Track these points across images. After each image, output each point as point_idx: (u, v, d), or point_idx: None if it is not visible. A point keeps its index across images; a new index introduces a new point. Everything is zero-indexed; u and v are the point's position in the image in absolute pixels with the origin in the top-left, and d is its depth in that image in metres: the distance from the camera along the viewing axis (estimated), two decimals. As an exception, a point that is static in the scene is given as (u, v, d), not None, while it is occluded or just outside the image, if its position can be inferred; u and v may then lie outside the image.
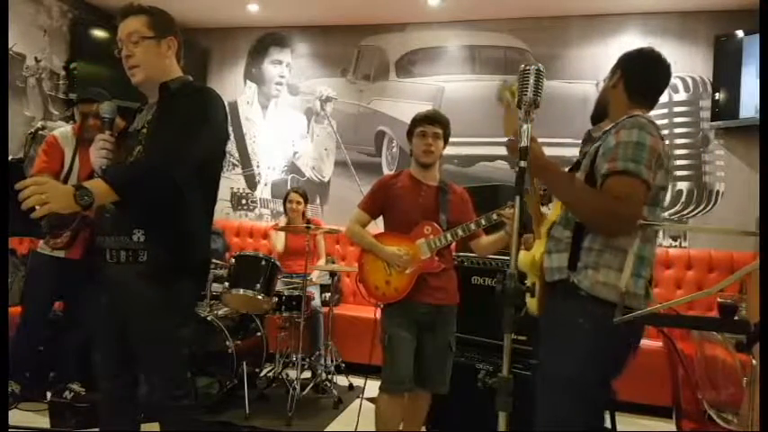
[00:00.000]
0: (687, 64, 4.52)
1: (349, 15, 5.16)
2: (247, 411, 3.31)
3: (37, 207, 1.46)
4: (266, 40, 5.64)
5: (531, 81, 1.55)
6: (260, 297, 3.47)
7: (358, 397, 3.13)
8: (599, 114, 1.86)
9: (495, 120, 4.83)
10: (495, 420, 1.43)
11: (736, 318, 2.37)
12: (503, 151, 4.98)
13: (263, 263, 3.58)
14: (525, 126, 1.52)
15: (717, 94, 4.37)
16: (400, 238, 2.58)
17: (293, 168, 5.52)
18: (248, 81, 5.69)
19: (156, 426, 1.86)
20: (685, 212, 4.52)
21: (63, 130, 3.18)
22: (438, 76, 5.13)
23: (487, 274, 3.00)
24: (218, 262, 4.11)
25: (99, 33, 5.06)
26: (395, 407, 2.49)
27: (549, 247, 1.72)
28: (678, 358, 2.77)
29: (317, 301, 4.09)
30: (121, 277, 1.78)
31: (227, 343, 3.40)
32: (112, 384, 1.89)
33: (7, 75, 4.39)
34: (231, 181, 5.63)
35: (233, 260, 3.74)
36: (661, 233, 4.55)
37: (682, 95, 4.55)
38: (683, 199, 4.52)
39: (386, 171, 5.10)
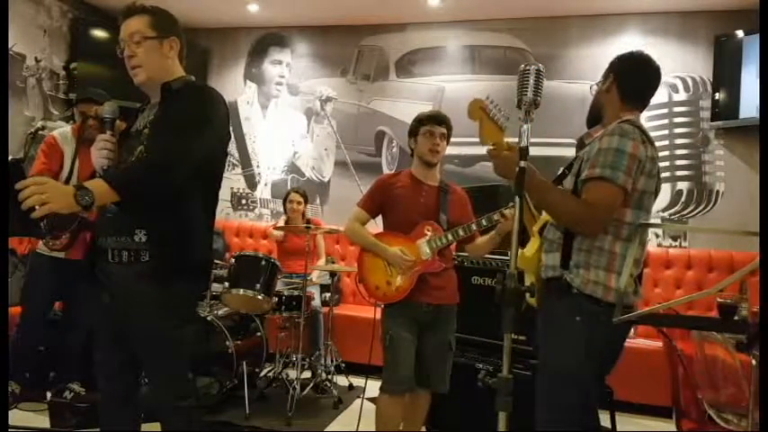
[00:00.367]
0: (687, 64, 4.52)
1: (349, 15, 5.16)
2: (247, 411, 3.31)
3: (37, 207, 1.45)
4: (266, 40, 5.64)
5: (531, 81, 1.56)
6: (260, 297, 3.47)
7: (358, 397, 3.13)
8: (594, 117, 1.94)
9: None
10: (495, 420, 1.43)
11: (736, 318, 2.37)
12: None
13: (263, 263, 3.58)
14: (525, 126, 1.54)
15: (717, 94, 4.37)
16: (401, 237, 2.57)
17: (293, 168, 5.52)
18: (248, 81, 5.69)
19: (156, 426, 1.86)
20: (685, 212, 4.52)
21: (62, 131, 3.18)
22: (438, 76, 5.13)
23: (487, 274, 3.00)
24: (218, 262, 4.11)
25: (99, 33, 5.07)
26: (396, 407, 2.49)
27: (545, 247, 1.83)
28: (678, 358, 2.78)
29: (316, 301, 4.09)
30: (123, 277, 1.78)
31: (227, 343, 3.40)
32: (113, 385, 1.89)
33: (7, 75, 4.39)
34: (231, 181, 5.63)
35: (233, 260, 3.74)
36: (661, 233, 4.56)
37: (682, 95, 4.55)
38: (683, 199, 4.52)
39: (386, 171, 5.10)
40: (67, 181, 3.00)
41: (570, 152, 2.03)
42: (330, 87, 5.43)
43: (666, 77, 4.54)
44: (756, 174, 4.32)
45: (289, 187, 5.10)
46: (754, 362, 2.28)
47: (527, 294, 1.79)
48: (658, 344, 3.66)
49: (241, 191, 5.66)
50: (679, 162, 4.54)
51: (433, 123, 2.58)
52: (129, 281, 1.77)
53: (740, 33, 4.23)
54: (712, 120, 4.41)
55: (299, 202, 4.39)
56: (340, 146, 5.39)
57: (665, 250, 4.43)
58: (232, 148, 5.61)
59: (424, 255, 2.52)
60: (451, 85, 5.08)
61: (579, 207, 1.69)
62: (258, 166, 5.63)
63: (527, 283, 1.87)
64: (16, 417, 3.03)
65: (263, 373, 3.93)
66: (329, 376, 3.86)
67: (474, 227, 2.49)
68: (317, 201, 5.38)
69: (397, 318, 2.49)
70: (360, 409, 2.97)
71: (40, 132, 3.24)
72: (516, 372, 2.40)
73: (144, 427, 2.01)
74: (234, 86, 5.68)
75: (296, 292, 3.77)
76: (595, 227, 1.69)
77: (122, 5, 1.89)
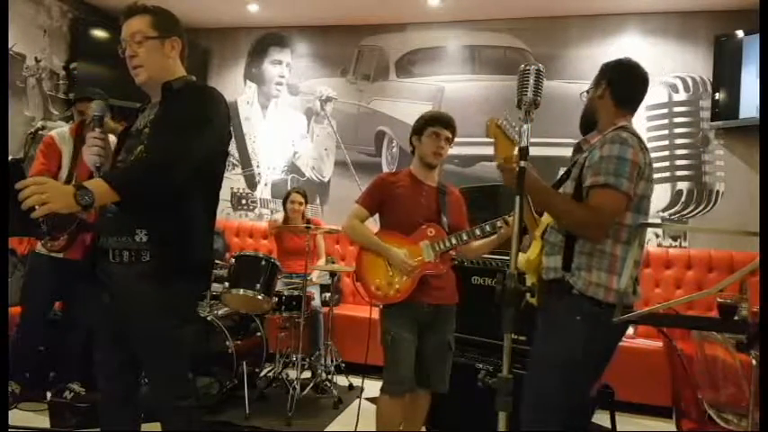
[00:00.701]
0: (687, 64, 4.52)
1: (349, 15, 5.16)
2: (247, 411, 3.31)
3: (36, 207, 1.45)
4: (266, 40, 5.64)
5: (531, 81, 1.57)
6: (260, 297, 3.47)
7: (358, 397, 3.12)
8: (588, 123, 1.99)
9: (495, 120, 4.84)
10: (495, 420, 1.43)
11: (736, 318, 2.37)
12: (503, 151, 4.87)
13: (263, 263, 3.58)
14: (525, 126, 1.54)
15: (717, 94, 4.37)
16: (402, 238, 2.54)
17: (293, 168, 5.52)
18: (248, 81, 5.69)
19: (156, 426, 1.86)
20: (685, 212, 4.52)
21: (60, 131, 3.18)
22: (438, 76, 5.13)
23: (487, 274, 2.99)
24: (218, 262, 4.11)
25: (99, 33, 5.07)
26: (396, 407, 2.48)
27: (546, 250, 1.87)
28: (678, 358, 2.78)
29: (316, 301, 4.09)
30: (124, 277, 1.78)
31: (227, 343, 3.40)
32: (113, 385, 1.89)
33: (7, 75, 4.39)
34: (231, 181, 5.63)
35: (233, 260, 3.74)
36: (661, 233, 4.56)
37: (682, 95, 4.55)
38: (683, 199, 4.52)
39: (386, 171, 5.10)
40: (67, 181, 3.01)
41: (570, 152, 2.05)
42: (330, 87, 5.43)
43: (666, 77, 4.56)
44: (756, 174, 4.32)
45: (289, 187, 5.10)
46: (754, 362, 2.28)
47: (527, 294, 1.83)
48: (658, 344, 3.66)
49: (241, 191, 5.66)
50: (679, 162, 4.54)
51: (440, 126, 2.56)
52: (130, 281, 1.77)
53: (740, 33, 4.23)
54: (712, 120, 4.41)
55: (300, 203, 4.39)
56: (340, 146, 5.39)
57: (665, 250, 4.43)
58: (232, 148, 5.61)
59: (427, 257, 2.51)
60: (451, 85, 5.08)
61: (586, 213, 1.74)
62: (258, 166, 5.63)
63: (528, 283, 1.89)
64: (16, 417, 3.03)
65: (263, 373, 3.93)
66: (329, 376, 3.86)
67: (478, 232, 2.48)
68: (317, 201, 5.38)
69: (397, 318, 2.47)
70: (358, 409, 2.97)
71: (40, 132, 3.24)
72: (516, 372, 2.40)
73: (144, 427, 2.00)
74: (234, 86, 5.68)
75: (296, 292, 3.77)
76: (601, 232, 1.75)
77: (122, 5, 1.89)
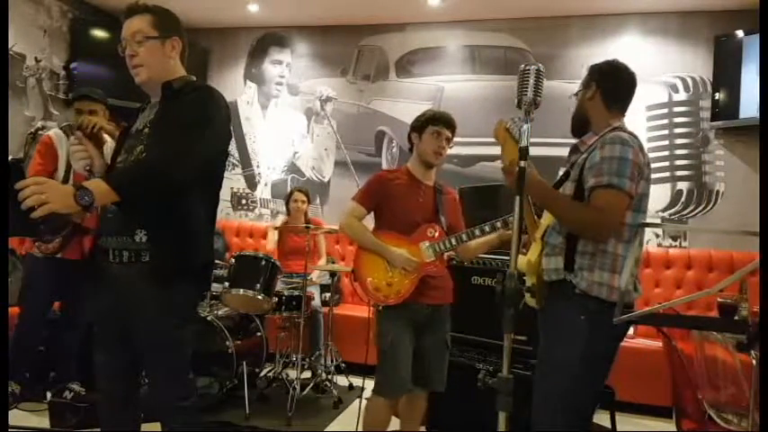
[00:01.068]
0: (687, 64, 4.52)
1: (349, 15, 5.16)
2: (247, 411, 3.31)
3: (36, 207, 1.45)
4: (266, 40, 5.64)
5: (531, 81, 1.57)
6: (260, 297, 3.47)
7: (358, 397, 3.12)
8: (581, 126, 2.00)
9: (496, 120, 4.83)
10: (495, 420, 1.43)
11: (736, 318, 2.37)
12: (503, 151, 4.85)
13: (263, 263, 3.58)
14: (525, 126, 1.54)
15: (717, 94, 4.37)
16: (401, 238, 2.50)
17: (293, 168, 5.52)
18: (248, 81, 5.69)
19: (156, 426, 1.86)
20: (685, 212, 4.52)
21: (58, 131, 3.17)
22: (438, 76, 5.13)
23: (487, 274, 2.99)
24: (218, 262, 4.11)
25: (99, 33, 5.07)
26: (390, 410, 2.45)
27: (547, 251, 1.88)
28: (678, 358, 2.78)
29: (317, 301, 4.09)
30: (124, 277, 1.78)
31: (228, 343, 3.40)
32: (114, 385, 1.89)
33: (7, 75, 4.39)
34: (231, 181, 5.63)
35: (233, 260, 3.74)
36: (661, 233, 4.56)
37: (682, 95, 4.55)
38: (682, 199, 4.52)
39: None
40: (64, 181, 3.01)
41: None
42: (330, 87, 5.43)
43: (666, 77, 4.56)
44: (756, 174, 4.32)
45: (289, 187, 5.11)
46: (754, 362, 2.28)
47: (527, 294, 1.85)
48: (658, 344, 3.66)
49: (241, 191, 5.66)
50: (679, 162, 4.53)
51: (442, 125, 2.51)
52: (130, 281, 1.76)
53: (740, 33, 4.22)
54: (712, 120, 4.40)
55: (302, 201, 4.39)
56: (340, 146, 5.39)
57: (665, 250, 4.42)
58: (232, 148, 5.61)
59: (428, 258, 2.47)
60: (451, 85, 5.08)
61: (591, 214, 1.76)
62: (258, 166, 5.63)
63: (528, 284, 1.89)
64: (16, 417, 3.03)
65: (263, 373, 3.93)
66: (329, 376, 3.86)
67: (477, 232, 2.44)
68: (317, 201, 5.38)
69: (395, 320, 2.43)
70: (358, 409, 2.96)
71: (40, 132, 3.25)
72: (516, 372, 2.40)
73: (144, 427, 2.00)
74: (234, 86, 5.68)
75: (296, 292, 3.77)
76: (606, 232, 1.77)
77: (123, 5, 1.89)
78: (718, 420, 2.60)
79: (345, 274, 4.81)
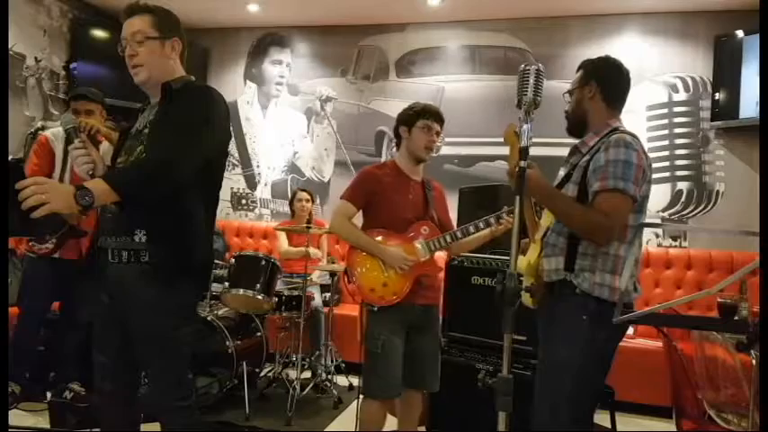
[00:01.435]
0: (687, 64, 4.52)
1: (349, 15, 5.16)
2: (247, 411, 3.31)
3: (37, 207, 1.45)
4: (266, 40, 5.64)
5: (531, 81, 1.57)
6: (260, 297, 3.47)
7: (357, 397, 3.12)
8: (580, 126, 1.97)
9: (496, 120, 4.84)
10: (495, 420, 1.43)
11: (736, 318, 2.37)
12: (503, 151, 4.93)
13: (263, 263, 3.58)
14: (525, 126, 1.54)
15: (717, 94, 4.37)
16: (394, 236, 2.43)
17: (293, 168, 5.52)
18: (248, 81, 5.69)
19: (156, 426, 1.86)
20: (685, 212, 4.52)
21: (55, 131, 3.17)
22: (438, 76, 5.13)
23: (487, 274, 2.99)
24: (218, 262, 4.11)
25: (99, 33, 5.07)
26: (384, 411, 2.43)
27: (547, 252, 1.88)
28: (678, 358, 2.78)
29: (317, 301, 4.09)
30: (124, 277, 1.78)
31: (228, 343, 3.40)
32: (113, 385, 1.89)
33: (7, 75, 4.39)
34: (231, 181, 5.63)
35: (233, 260, 3.74)
36: (661, 233, 4.56)
37: (682, 95, 4.55)
38: (683, 199, 4.52)
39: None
40: (60, 180, 3.01)
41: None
42: (330, 87, 5.43)
43: (666, 77, 4.55)
44: (756, 174, 4.32)
45: (289, 187, 5.10)
46: (754, 362, 2.28)
47: (526, 294, 1.85)
48: (658, 344, 3.66)
49: (241, 191, 5.66)
50: (679, 162, 4.53)
51: (432, 119, 2.44)
52: (130, 281, 1.76)
53: (740, 33, 4.22)
54: (712, 120, 4.40)
55: (307, 200, 4.39)
56: (340, 146, 5.39)
57: (665, 250, 4.42)
58: (232, 148, 5.61)
59: (423, 256, 2.42)
60: (451, 85, 5.08)
61: (596, 218, 1.74)
62: (258, 166, 5.63)
63: (526, 284, 1.89)
64: (16, 417, 3.03)
65: (263, 373, 3.93)
66: (329, 376, 3.86)
67: (472, 229, 2.41)
68: (317, 201, 5.38)
69: (388, 322, 2.37)
70: (358, 409, 2.96)
71: (40, 132, 3.24)
72: (516, 372, 2.40)
73: (144, 427, 2.01)
74: (234, 86, 5.67)
75: (296, 292, 3.77)
76: (612, 235, 1.76)
77: (123, 5, 1.88)
78: (718, 420, 2.60)
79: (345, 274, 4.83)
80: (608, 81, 1.92)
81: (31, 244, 3.07)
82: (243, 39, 5.69)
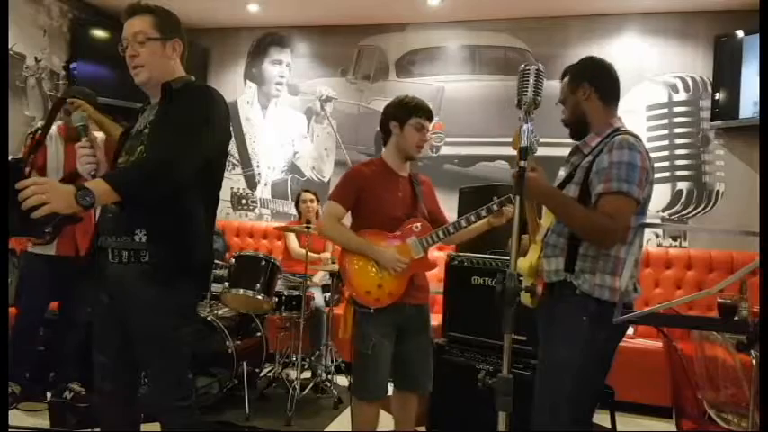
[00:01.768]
0: (687, 64, 4.52)
1: (349, 15, 5.16)
2: (247, 411, 3.31)
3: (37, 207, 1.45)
4: (266, 40, 5.64)
5: (531, 81, 1.57)
6: (260, 297, 3.46)
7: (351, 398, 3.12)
8: (582, 129, 1.95)
9: (496, 120, 4.85)
10: (495, 420, 1.43)
11: (736, 318, 2.37)
12: (503, 151, 4.94)
13: (263, 263, 3.58)
14: (525, 126, 1.54)
15: (717, 94, 4.37)
16: (387, 235, 2.38)
17: (293, 168, 5.52)
18: (248, 81, 5.69)
19: (156, 426, 1.86)
20: (685, 212, 4.52)
21: (52, 130, 3.18)
22: (438, 76, 5.13)
23: (487, 274, 2.99)
24: (218, 262, 4.11)
25: (99, 33, 5.07)
26: (376, 411, 2.42)
27: (547, 253, 1.88)
28: (678, 358, 2.78)
29: (318, 301, 4.09)
30: (124, 277, 1.78)
31: (228, 343, 3.40)
32: (113, 385, 1.89)
33: (7, 75, 4.39)
34: (231, 181, 5.64)
35: (233, 260, 3.74)
36: (661, 233, 4.56)
37: (682, 95, 4.55)
38: (683, 199, 4.52)
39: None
40: (45, 174, 3.04)
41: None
42: (330, 87, 5.43)
43: (666, 77, 4.56)
44: (756, 174, 4.32)
45: (289, 187, 5.10)
46: (754, 362, 2.28)
47: (527, 294, 1.85)
48: (658, 344, 3.66)
49: (241, 191, 5.67)
50: (679, 162, 4.54)
51: (425, 117, 2.39)
52: (130, 281, 1.76)
53: (740, 33, 4.23)
54: (712, 120, 4.40)
55: (311, 200, 4.39)
56: (340, 146, 5.39)
57: (665, 250, 4.42)
58: (232, 148, 5.61)
59: (416, 254, 2.38)
60: (451, 85, 5.08)
61: (600, 220, 1.73)
62: (258, 166, 5.63)
63: (526, 283, 1.89)
64: (16, 417, 3.04)
65: (263, 373, 3.93)
66: (329, 376, 3.86)
67: (464, 223, 2.38)
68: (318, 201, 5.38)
69: (380, 324, 2.33)
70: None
71: (40, 132, 3.24)
72: (516, 372, 2.40)
73: (144, 427, 2.01)
74: (234, 86, 5.68)
75: (296, 292, 3.77)
76: (616, 238, 1.75)
77: (123, 5, 1.88)
78: (718, 420, 2.60)
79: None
80: (599, 79, 1.92)
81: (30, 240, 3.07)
82: (243, 39, 5.69)
